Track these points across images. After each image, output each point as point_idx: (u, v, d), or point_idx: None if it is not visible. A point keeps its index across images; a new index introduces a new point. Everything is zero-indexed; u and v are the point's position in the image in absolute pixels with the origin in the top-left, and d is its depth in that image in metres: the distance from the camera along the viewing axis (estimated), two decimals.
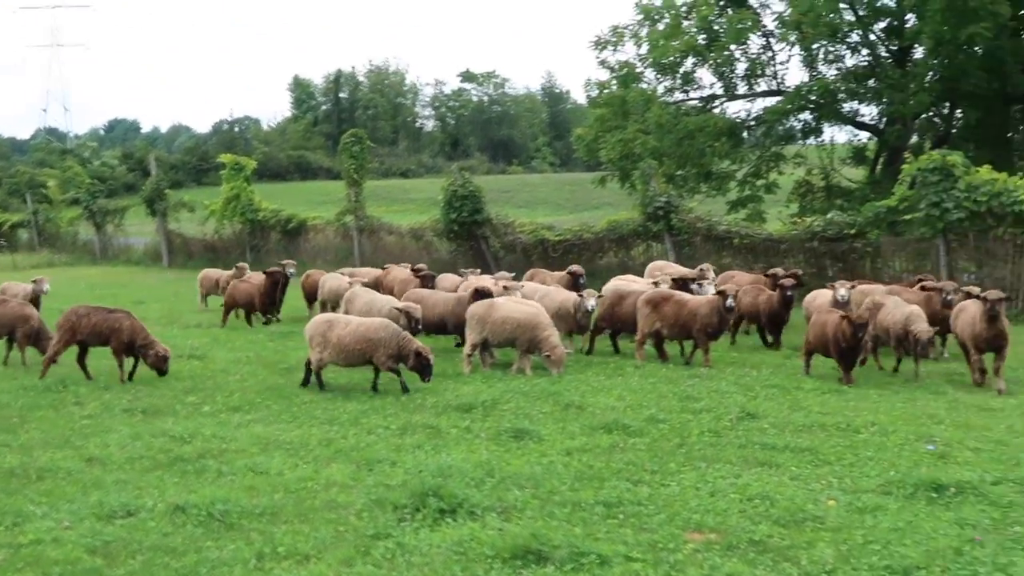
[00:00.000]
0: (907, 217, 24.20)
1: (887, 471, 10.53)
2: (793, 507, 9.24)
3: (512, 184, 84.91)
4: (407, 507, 9.11)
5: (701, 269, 21.90)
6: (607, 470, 10.57)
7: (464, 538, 8.38)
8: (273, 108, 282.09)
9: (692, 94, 43.63)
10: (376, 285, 21.89)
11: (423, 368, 14.74)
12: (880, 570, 7.74)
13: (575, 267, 22.12)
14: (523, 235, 31.90)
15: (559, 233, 31.47)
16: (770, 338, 19.50)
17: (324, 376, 15.37)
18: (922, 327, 15.72)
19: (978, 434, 12.24)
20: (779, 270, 21.44)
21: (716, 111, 43.88)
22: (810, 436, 12.14)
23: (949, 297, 16.70)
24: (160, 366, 16.00)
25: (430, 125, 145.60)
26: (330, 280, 22.87)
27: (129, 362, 16.15)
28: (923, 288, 17.89)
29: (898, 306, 16.43)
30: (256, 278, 23.80)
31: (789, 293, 18.57)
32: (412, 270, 22.74)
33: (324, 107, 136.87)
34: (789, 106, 39.67)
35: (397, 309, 16.63)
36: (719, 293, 16.99)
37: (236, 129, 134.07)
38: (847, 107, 42.37)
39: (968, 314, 15.52)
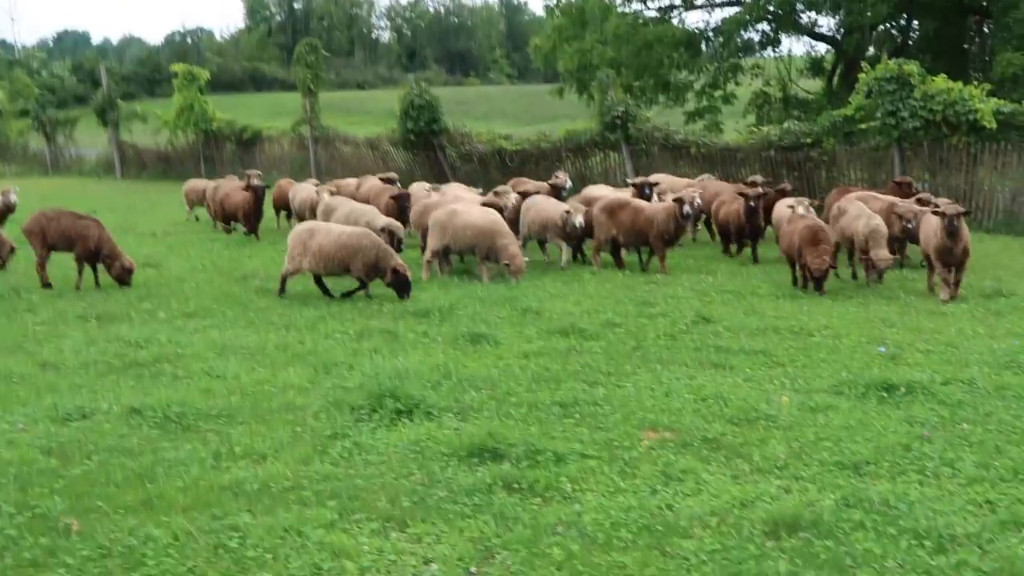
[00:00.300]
0: (863, 126, 24.24)
1: (839, 372, 10.66)
2: (746, 406, 9.34)
3: (469, 96, 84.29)
4: (364, 408, 9.13)
5: (702, 180, 21.58)
6: (563, 372, 10.63)
7: (421, 437, 8.42)
8: (226, 19, 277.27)
9: (650, 4, 43.48)
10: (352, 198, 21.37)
11: (400, 285, 14.61)
12: (831, 465, 7.85)
13: (643, 179, 20.80)
14: (480, 145, 31.72)
15: (516, 143, 31.30)
16: (733, 249, 19.40)
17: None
18: (883, 255, 15.50)
19: (929, 336, 12.41)
20: (758, 178, 21.17)
21: (674, 21, 43.71)
22: (764, 339, 12.27)
23: (910, 225, 16.20)
24: (124, 278, 15.85)
25: (386, 36, 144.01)
26: (301, 191, 22.39)
27: (92, 272, 15.98)
28: (919, 202, 17.24)
29: (860, 217, 16.09)
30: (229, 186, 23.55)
31: (752, 204, 18.15)
32: (382, 179, 22.49)
33: (278, 18, 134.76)
34: (747, 17, 39.58)
35: (381, 228, 16.31)
36: (676, 200, 16.99)
37: (189, 40, 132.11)
38: (805, 18, 42.34)
39: (931, 226, 15.10)
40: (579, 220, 17.44)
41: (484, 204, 17.98)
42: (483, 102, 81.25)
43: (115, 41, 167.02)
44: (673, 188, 20.41)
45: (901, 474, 7.70)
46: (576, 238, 18.07)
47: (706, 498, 7.22)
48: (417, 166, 33.32)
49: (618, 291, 15.25)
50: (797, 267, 15.78)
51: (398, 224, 16.74)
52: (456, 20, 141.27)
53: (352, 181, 24.05)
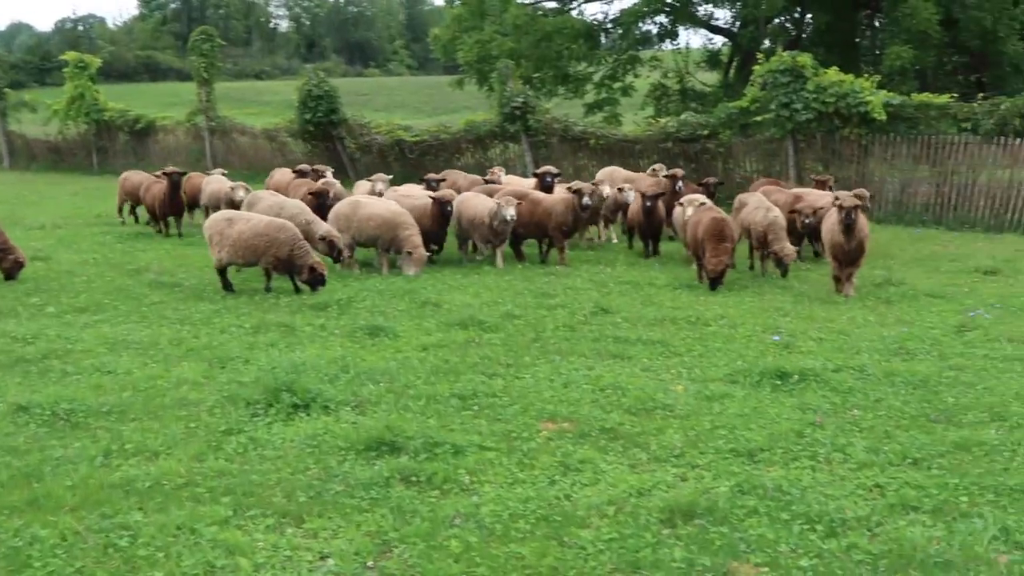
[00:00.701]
0: (758, 119, 24.63)
1: (735, 361, 10.81)
2: (644, 396, 9.41)
3: (369, 87, 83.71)
4: (260, 403, 8.99)
5: (654, 169, 21.26)
6: (462, 364, 10.60)
7: (318, 431, 8.33)
8: (119, 6, 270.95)
9: None
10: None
11: (314, 282, 14.38)
12: (726, 453, 7.95)
13: (546, 169, 20.21)
14: (380, 136, 31.51)
15: (416, 134, 31.16)
16: (636, 242, 19.17)
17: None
18: (785, 249, 15.60)
19: (821, 325, 12.64)
20: (678, 171, 20.11)
21: (573, 13, 43.90)
22: (661, 329, 12.38)
23: (807, 220, 16.38)
24: (13, 272, 15.42)
25: (284, 26, 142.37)
26: (212, 183, 21.03)
27: None
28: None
29: (759, 209, 16.17)
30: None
31: (648, 204, 17.83)
32: (294, 171, 21.36)
33: (173, 5, 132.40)
34: (645, 8, 39.89)
35: (321, 237, 15.61)
36: (575, 192, 17.05)
37: (80, 27, 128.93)
38: (702, 10, 42.84)
39: (831, 220, 14.73)
40: (510, 213, 16.51)
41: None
42: (383, 93, 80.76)
43: (2, 27, 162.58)
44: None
45: (794, 460, 7.83)
46: (505, 237, 17.16)
47: (604, 488, 7.26)
48: (316, 157, 32.94)
49: (517, 283, 15.26)
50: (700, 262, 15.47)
51: (338, 235, 15.88)
52: (355, 10, 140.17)
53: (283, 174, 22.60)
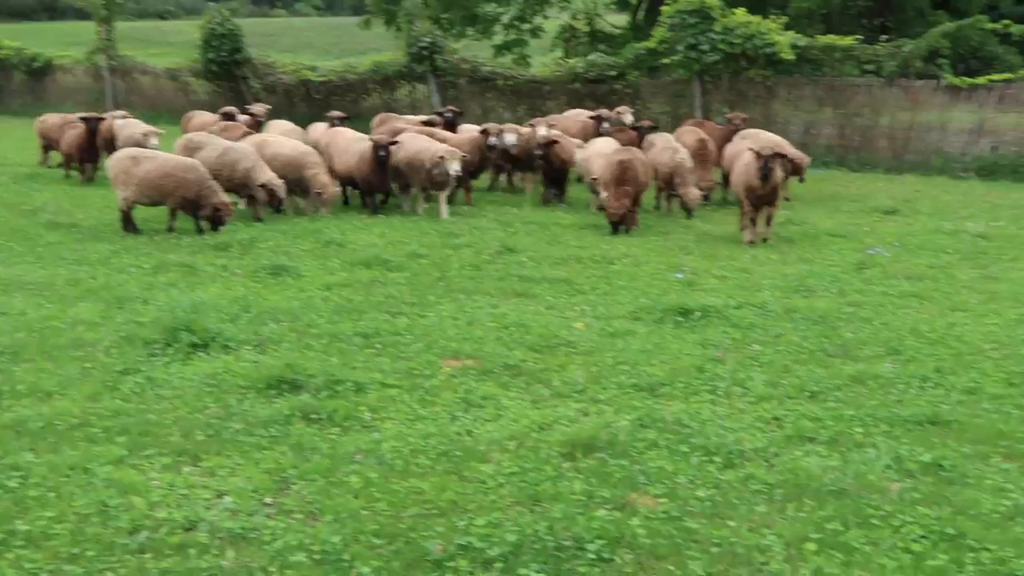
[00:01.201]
0: (665, 60, 24.64)
1: (638, 299, 10.87)
2: (548, 333, 9.43)
3: (275, 28, 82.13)
4: (158, 342, 8.82)
5: (618, 112, 20.36)
6: (366, 303, 10.52)
7: (217, 370, 8.20)
8: None
9: None
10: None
11: (216, 222, 14.03)
12: (627, 388, 8.00)
13: (449, 108, 20.04)
14: (285, 76, 30.96)
15: (322, 74, 30.68)
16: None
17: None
18: (692, 193, 15.64)
19: (724, 263, 12.77)
20: (605, 112, 19.89)
21: None
22: (566, 268, 12.40)
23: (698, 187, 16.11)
24: None
25: None
26: (126, 127, 19.14)
27: None
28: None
29: (666, 150, 16.13)
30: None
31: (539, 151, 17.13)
32: (222, 114, 20.38)
33: None
34: None
35: (260, 185, 14.96)
36: (482, 132, 16.94)
37: None
38: None
39: (743, 163, 14.41)
40: (454, 167, 15.36)
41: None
42: (289, 35, 79.21)
43: None
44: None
45: (694, 394, 7.91)
46: (445, 186, 15.92)
47: (505, 423, 7.26)
48: (220, 97, 32.34)
49: (423, 223, 15.15)
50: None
51: (280, 182, 15.01)
52: None
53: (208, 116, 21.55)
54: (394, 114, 21.83)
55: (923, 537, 5.65)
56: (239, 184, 15.05)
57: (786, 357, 8.89)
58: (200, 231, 14.18)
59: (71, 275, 11.74)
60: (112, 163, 14.35)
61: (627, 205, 14.60)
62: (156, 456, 6.59)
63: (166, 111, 31.72)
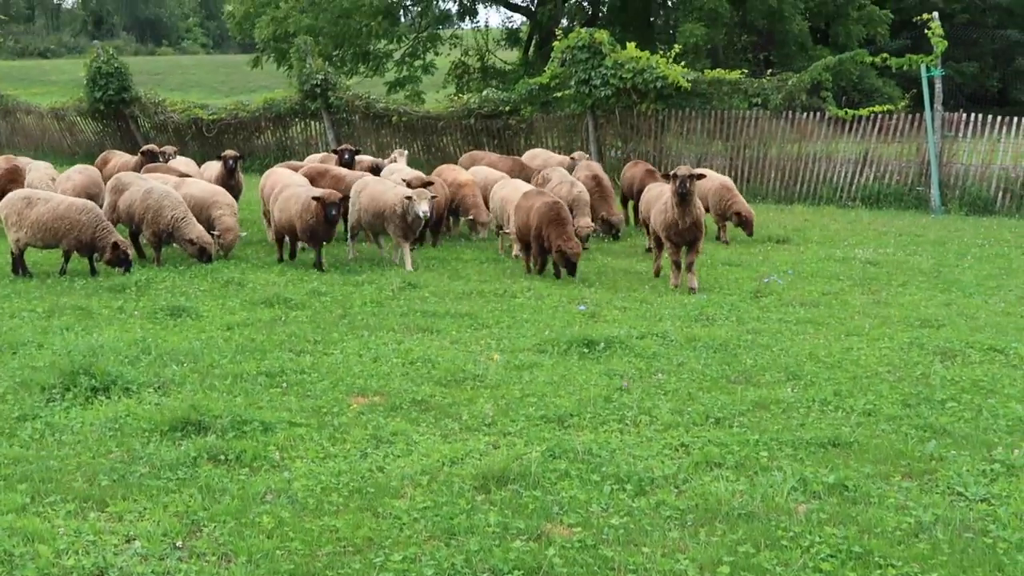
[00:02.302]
0: (558, 95, 24.92)
1: (543, 331, 10.94)
2: (454, 368, 9.44)
3: (163, 66, 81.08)
4: (56, 387, 8.61)
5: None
6: (269, 342, 10.42)
7: (119, 414, 8.04)
8: None
9: None
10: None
11: (119, 261, 13.72)
12: (536, 420, 8.05)
13: (345, 146, 19.24)
14: (175, 114, 30.55)
15: (213, 112, 30.37)
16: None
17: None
18: (584, 223, 15.59)
19: (625, 295, 12.93)
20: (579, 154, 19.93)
21: None
22: (469, 302, 12.44)
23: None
24: None
25: (70, 2, 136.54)
26: (34, 170, 18.14)
27: None
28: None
29: (563, 183, 16.17)
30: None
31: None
32: (142, 154, 19.24)
33: None
34: None
35: (190, 241, 14.37)
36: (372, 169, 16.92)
37: None
38: None
39: (660, 200, 13.62)
40: (423, 209, 14.29)
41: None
42: (177, 72, 78.29)
43: None
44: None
45: (603, 424, 7.98)
46: (416, 231, 15.05)
47: (417, 458, 7.25)
48: (107, 137, 31.83)
49: (326, 261, 14.99)
50: (534, 249, 14.14)
51: (209, 239, 14.53)
52: None
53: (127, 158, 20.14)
54: (481, 152, 21.51)
55: (832, 556, 5.76)
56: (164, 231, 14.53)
57: (690, 385, 9.02)
58: (94, 272, 13.92)
59: None
60: (3, 204, 14.05)
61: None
62: (60, 503, 6.43)
63: (51, 152, 31.10)
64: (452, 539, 6.00)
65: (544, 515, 6.28)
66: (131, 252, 14.04)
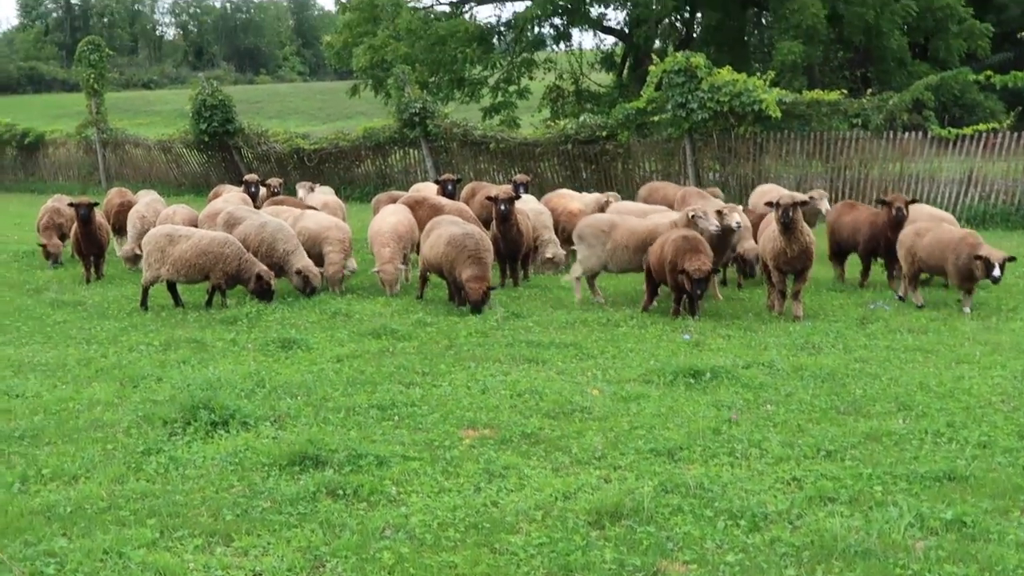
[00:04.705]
0: (655, 119, 24.96)
1: (648, 361, 10.97)
2: (561, 400, 9.52)
3: (261, 95, 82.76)
4: (177, 421, 8.89)
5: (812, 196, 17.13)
6: (378, 374, 10.61)
7: (239, 448, 8.27)
8: None
9: None
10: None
11: (263, 292, 14.10)
12: (646, 453, 8.09)
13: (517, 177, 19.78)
14: (277, 144, 31.20)
15: (314, 142, 30.96)
16: None
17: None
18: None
19: (729, 322, 12.89)
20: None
21: (466, 16, 43.99)
22: (573, 332, 12.51)
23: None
24: None
25: (171, 33, 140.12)
26: (143, 205, 18.17)
27: None
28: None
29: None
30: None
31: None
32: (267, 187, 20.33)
33: (55, 15, 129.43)
34: (538, 11, 40.09)
35: (297, 272, 14.62)
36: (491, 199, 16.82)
37: None
38: (595, 12, 43.21)
39: (771, 229, 13.35)
40: (735, 221, 13.66)
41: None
42: (275, 101, 79.86)
43: None
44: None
45: (713, 457, 8.00)
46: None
47: (529, 492, 7.34)
48: (212, 168, 32.63)
49: (427, 291, 15.21)
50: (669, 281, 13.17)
51: (315, 270, 14.79)
52: (243, 16, 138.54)
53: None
54: (661, 183, 20.88)
55: None
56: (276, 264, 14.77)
57: (799, 416, 8.99)
58: (208, 304, 14.31)
59: (82, 354, 11.83)
60: (146, 240, 14.51)
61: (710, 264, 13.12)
62: (188, 537, 6.64)
63: (159, 183, 31.92)
64: (569, 575, 6.08)
65: (659, 551, 6.33)
66: (274, 282, 14.32)
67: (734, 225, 13.59)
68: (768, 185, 19.60)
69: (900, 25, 37.43)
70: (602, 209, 17.23)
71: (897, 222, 14.26)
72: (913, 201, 14.75)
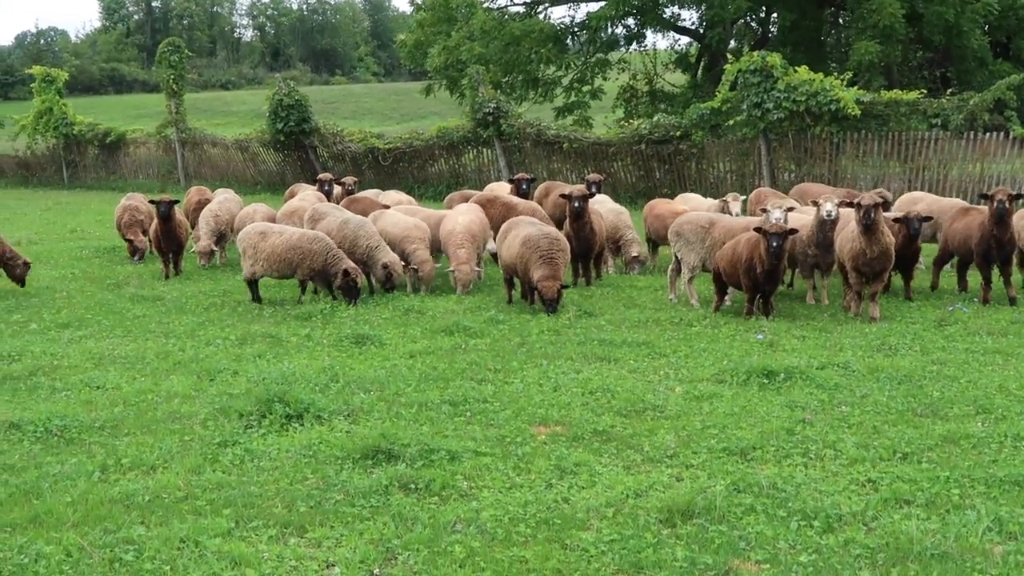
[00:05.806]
0: (730, 121, 24.78)
1: (720, 361, 10.90)
2: (633, 398, 9.50)
3: (336, 95, 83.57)
4: (253, 414, 9.01)
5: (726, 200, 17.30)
6: (451, 370, 10.66)
7: (313, 441, 8.37)
8: (81, 18, 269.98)
9: None
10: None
11: (349, 289, 14.18)
12: (718, 452, 8.04)
13: (521, 175, 20.03)
14: (352, 144, 31.51)
15: (389, 142, 31.21)
16: None
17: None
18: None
19: (803, 323, 12.76)
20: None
21: (540, 17, 44.02)
22: (646, 331, 12.47)
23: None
24: (25, 275, 15.80)
25: (248, 35, 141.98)
26: (216, 204, 18.81)
27: None
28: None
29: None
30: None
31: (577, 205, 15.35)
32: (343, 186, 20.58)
33: (136, 17, 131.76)
34: (612, 12, 40.00)
35: (383, 265, 14.81)
36: (563, 196, 16.78)
37: (42, 41, 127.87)
38: (669, 12, 43.01)
39: (849, 228, 13.19)
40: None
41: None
42: (350, 101, 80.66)
43: None
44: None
45: (786, 458, 7.93)
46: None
47: (601, 489, 7.34)
48: (288, 167, 33.03)
49: (499, 288, 15.25)
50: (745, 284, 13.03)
51: (398, 263, 14.96)
52: (319, 18, 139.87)
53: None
54: (813, 184, 20.39)
55: None
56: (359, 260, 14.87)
57: (875, 418, 8.87)
58: (301, 297, 14.70)
59: (160, 348, 12.04)
60: (241, 237, 14.85)
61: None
62: (262, 528, 6.73)
63: (236, 181, 32.38)
64: (640, 573, 6.07)
65: (731, 551, 6.29)
66: (360, 279, 14.42)
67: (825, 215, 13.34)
68: (918, 192, 18.58)
69: (981, 24, 36.82)
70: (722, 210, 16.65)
71: (999, 216, 13.47)
72: (1019, 196, 13.90)
